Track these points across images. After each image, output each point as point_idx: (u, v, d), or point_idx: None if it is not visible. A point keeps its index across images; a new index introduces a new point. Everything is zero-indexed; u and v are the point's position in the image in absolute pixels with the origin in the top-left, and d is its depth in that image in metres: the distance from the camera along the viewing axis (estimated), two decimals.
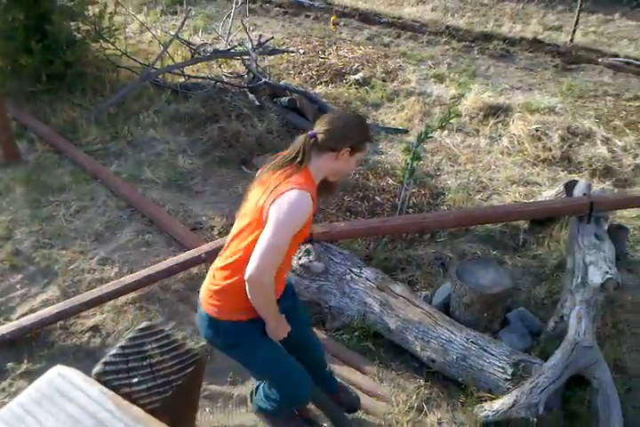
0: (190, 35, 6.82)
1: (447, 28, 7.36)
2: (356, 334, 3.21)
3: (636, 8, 7.34)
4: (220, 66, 6.00)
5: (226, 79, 5.62)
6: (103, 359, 1.19)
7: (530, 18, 7.64)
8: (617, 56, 6.57)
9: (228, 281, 2.09)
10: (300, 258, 3.37)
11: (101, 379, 1.17)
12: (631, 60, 6.45)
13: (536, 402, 2.64)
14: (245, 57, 5.68)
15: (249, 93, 5.37)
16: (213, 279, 2.17)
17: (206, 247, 3.45)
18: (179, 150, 4.74)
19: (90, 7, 5.50)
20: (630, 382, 2.99)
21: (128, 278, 3.29)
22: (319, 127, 2.16)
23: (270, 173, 2.12)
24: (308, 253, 3.37)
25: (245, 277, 1.94)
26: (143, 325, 1.22)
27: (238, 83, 5.60)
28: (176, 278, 3.49)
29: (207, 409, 2.81)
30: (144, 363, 1.14)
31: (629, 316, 3.39)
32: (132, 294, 3.34)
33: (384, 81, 6.16)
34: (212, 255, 3.45)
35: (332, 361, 3.08)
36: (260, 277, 1.94)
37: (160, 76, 5.59)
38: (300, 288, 3.39)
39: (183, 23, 5.79)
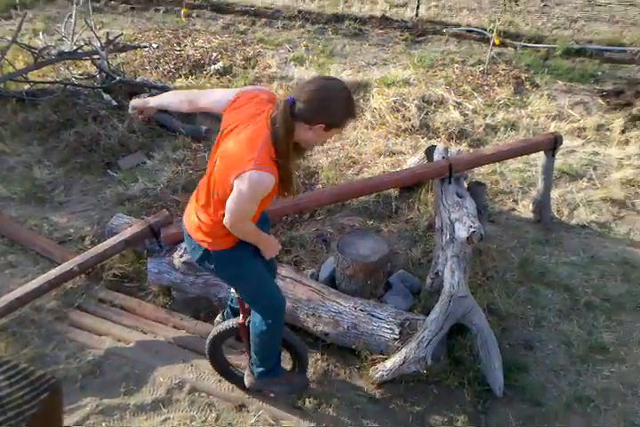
0: (30, 38, 6.37)
1: (300, 12, 7.43)
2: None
3: None
4: (68, 68, 5.66)
5: (76, 81, 5.32)
6: None
7: None
8: (459, 26, 6.99)
9: (211, 221, 2.30)
10: (181, 256, 3.31)
11: None
12: (472, 28, 6.88)
13: (424, 355, 2.81)
14: (95, 56, 5.41)
15: (104, 94, 5.13)
16: (197, 218, 2.35)
17: (79, 259, 3.29)
18: (33, 161, 4.45)
19: None
20: (504, 323, 3.26)
21: None
22: (301, 94, 2.05)
23: (245, 125, 2.13)
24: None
25: (225, 224, 2.20)
26: None
27: (91, 84, 5.32)
28: (49, 296, 3.31)
29: (104, 424, 2.71)
30: None
31: (496, 263, 3.68)
32: (3, 320, 3.12)
33: (245, 68, 6.14)
34: (86, 267, 3.33)
35: (227, 352, 3.08)
36: (236, 226, 2.21)
37: (1, 85, 5.18)
38: (186, 285, 3.35)
39: (20, 27, 5.38)
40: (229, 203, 2.14)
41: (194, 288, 3.35)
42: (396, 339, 2.97)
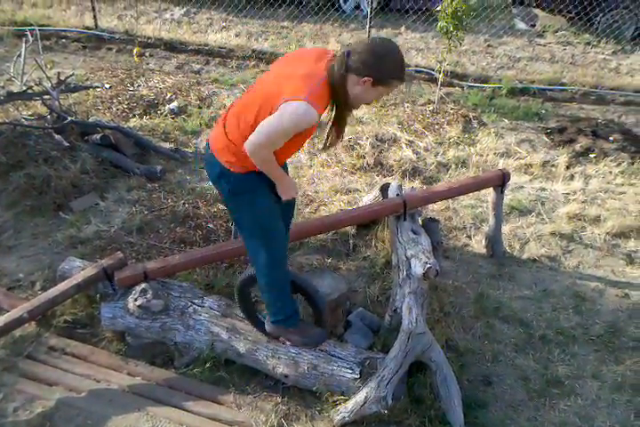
0: None
1: (253, 51, 7.58)
2: (207, 365, 3.15)
3: (418, 21, 8.15)
4: (17, 109, 5.57)
5: (26, 122, 5.23)
6: None
7: (328, 37, 8.12)
8: (408, 66, 7.25)
9: (238, 143, 2.41)
10: (136, 299, 3.23)
11: None
12: (421, 69, 7.16)
13: (384, 395, 2.80)
14: (45, 97, 5.34)
15: (55, 135, 5.04)
16: (226, 136, 2.48)
17: (28, 306, 3.17)
18: None
19: None
20: (462, 359, 3.29)
21: None
22: (357, 47, 2.26)
23: (304, 62, 2.34)
24: (144, 292, 3.24)
25: (245, 144, 2.31)
26: None
27: (41, 124, 5.23)
28: None
29: None
30: None
31: (453, 298, 3.74)
32: None
33: (200, 108, 6.17)
34: (36, 313, 3.21)
35: (185, 399, 3.00)
36: (256, 149, 2.30)
37: None
38: (141, 330, 3.26)
39: None
40: (264, 123, 2.26)
41: (150, 333, 3.27)
42: (356, 379, 2.95)
